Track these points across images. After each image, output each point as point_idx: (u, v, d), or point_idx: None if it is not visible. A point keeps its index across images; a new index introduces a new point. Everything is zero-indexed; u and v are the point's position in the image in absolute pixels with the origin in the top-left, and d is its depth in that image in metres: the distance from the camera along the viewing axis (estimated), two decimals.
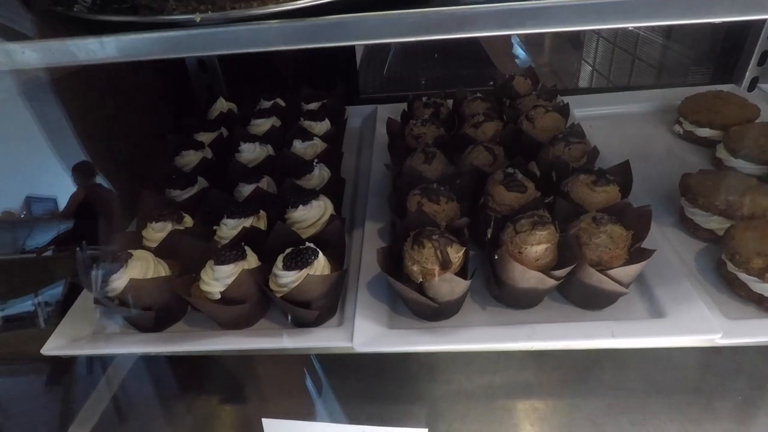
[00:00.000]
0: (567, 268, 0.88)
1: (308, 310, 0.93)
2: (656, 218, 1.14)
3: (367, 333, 0.92)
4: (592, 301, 0.94)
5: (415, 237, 0.92)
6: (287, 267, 0.92)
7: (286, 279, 0.92)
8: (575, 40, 2.27)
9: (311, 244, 0.95)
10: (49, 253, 1.33)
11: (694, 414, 1.06)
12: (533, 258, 0.90)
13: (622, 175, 1.08)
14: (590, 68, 2.20)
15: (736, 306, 0.94)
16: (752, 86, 1.59)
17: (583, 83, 2.22)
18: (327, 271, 0.96)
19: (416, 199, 1.03)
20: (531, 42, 2.32)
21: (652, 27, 1.94)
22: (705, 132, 1.38)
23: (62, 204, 1.33)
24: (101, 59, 0.71)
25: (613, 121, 1.56)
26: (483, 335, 0.91)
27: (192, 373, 1.25)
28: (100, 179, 1.35)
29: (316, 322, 0.97)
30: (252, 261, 0.97)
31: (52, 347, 0.99)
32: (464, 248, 0.91)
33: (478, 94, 1.38)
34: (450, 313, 0.96)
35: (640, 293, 0.97)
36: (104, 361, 1.27)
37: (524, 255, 0.90)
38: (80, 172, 1.33)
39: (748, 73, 1.58)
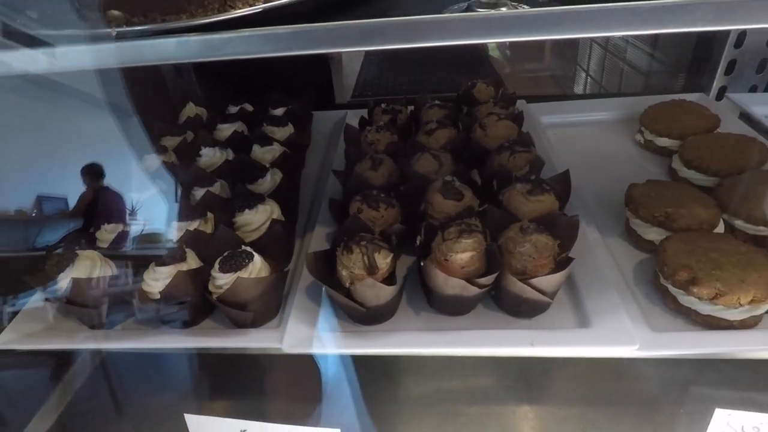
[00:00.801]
0: (490, 276, 0.90)
1: (244, 312, 0.96)
2: (603, 228, 1.16)
3: (297, 335, 0.94)
4: (520, 310, 0.95)
5: (345, 243, 0.94)
6: (222, 269, 0.95)
7: (221, 281, 0.95)
8: (572, 44, 2.28)
9: (248, 248, 0.98)
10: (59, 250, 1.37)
11: (635, 425, 1.06)
12: (459, 265, 0.91)
13: (563, 184, 1.09)
14: (584, 74, 2.21)
15: (666, 318, 0.95)
16: (720, 95, 1.59)
17: (577, 88, 2.22)
18: (264, 273, 0.98)
19: (357, 205, 1.06)
20: (529, 47, 2.34)
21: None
22: (664, 142, 1.39)
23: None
24: (37, 70, 0.75)
25: (579, 128, 1.57)
26: (409, 340, 0.93)
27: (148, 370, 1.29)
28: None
29: (254, 324, 1.00)
30: (192, 263, 1.00)
31: (4, 341, 1.03)
32: (392, 254, 0.94)
33: (436, 101, 1.40)
34: (382, 317, 0.98)
35: (571, 303, 0.98)
36: (69, 356, 1.31)
37: (450, 262, 0.92)
38: (89, 174, 1.37)
39: (715, 82, 1.58)
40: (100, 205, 1.36)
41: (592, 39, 1.93)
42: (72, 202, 1.28)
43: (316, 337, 0.95)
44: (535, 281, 0.89)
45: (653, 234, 1.07)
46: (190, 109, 1.53)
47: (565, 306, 0.98)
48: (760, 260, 0.92)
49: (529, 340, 0.89)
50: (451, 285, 0.90)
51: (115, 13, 0.76)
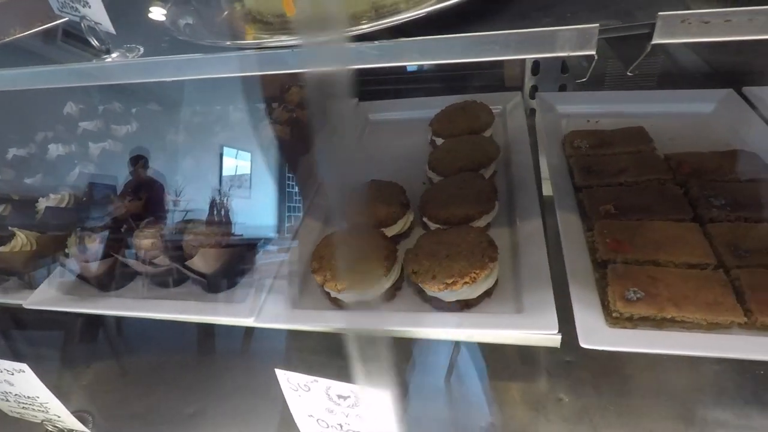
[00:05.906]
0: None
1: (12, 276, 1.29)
2: None
3: (42, 296, 1.24)
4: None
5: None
6: None
7: None
8: None
9: (14, 229, 1.29)
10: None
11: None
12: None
13: None
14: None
15: (321, 301, 1.13)
16: (532, 94, 1.65)
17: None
18: (27, 248, 1.29)
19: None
20: None
21: None
22: (440, 142, 1.49)
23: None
24: None
25: (398, 126, 1.69)
26: (105, 304, 1.21)
27: None
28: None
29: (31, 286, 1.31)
30: None
31: None
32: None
33: None
34: (109, 286, 1.24)
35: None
36: None
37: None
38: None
39: (526, 81, 1.64)
40: None
41: None
42: None
43: (57, 298, 1.25)
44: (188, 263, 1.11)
45: None
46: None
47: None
48: (377, 255, 1.07)
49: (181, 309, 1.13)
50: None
51: None
